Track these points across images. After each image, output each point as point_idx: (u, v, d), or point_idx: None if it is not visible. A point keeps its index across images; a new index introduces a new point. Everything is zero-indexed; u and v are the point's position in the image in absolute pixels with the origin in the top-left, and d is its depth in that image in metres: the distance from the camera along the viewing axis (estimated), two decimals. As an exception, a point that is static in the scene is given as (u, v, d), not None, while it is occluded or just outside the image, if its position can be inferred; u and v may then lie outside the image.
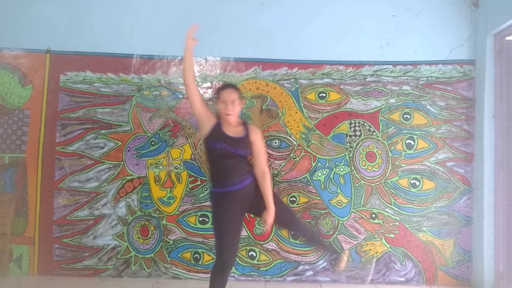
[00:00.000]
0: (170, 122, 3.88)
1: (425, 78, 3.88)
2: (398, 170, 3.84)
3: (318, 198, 3.82)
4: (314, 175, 3.84)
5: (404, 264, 3.79)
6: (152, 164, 3.85)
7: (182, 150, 3.87)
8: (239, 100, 2.78)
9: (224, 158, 2.65)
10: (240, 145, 2.67)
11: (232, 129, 2.74)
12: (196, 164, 3.85)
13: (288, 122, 3.86)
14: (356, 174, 3.84)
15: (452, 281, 3.77)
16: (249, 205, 2.73)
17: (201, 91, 3.89)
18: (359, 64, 3.90)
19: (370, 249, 3.80)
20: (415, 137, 3.86)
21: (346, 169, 3.85)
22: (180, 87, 3.91)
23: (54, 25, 3.92)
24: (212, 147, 2.68)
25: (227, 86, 2.87)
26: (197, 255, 3.81)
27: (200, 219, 3.82)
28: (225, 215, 2.62)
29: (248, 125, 2.83)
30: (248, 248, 3.79)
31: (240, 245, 3.77)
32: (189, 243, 3.81)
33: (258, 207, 2.73)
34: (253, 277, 3.77)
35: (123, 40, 3.91)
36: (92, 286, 3.57)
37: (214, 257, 2.76)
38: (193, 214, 3.83)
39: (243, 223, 2.89)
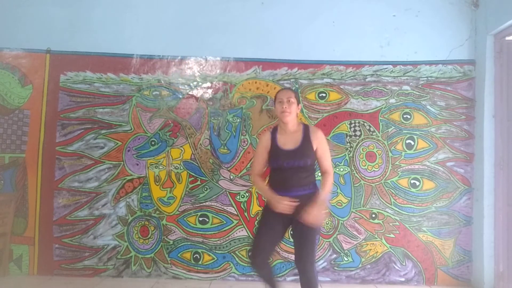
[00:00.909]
0: (170, 122, 3.88)
1: (425, 78, 3.88)
2: (398, 170, 3.84)
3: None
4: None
5: (404, 264, 3.79)
6: (152, 164, 3.85)
7: (182, 150, 3.87)
8: (296, 99, 2.67)
9: (282, 170, 2.60)
10: (297, 156, 2.58)
11: (289, 137, 2.64)
12: (196, 164, 3.85)
13: (288, 122, 3.86)
14: (356, 174, 3.84)
15: (452, 281, 3.77)
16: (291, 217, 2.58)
17: (201, 91, 3.90)
18: (359, 64, 3.90)
19: (370, 249, 3.81)
20: (415, 137, 3.86)
21: (346, 169, 3.85)
22: (180, 87, 3.91)
23: (54, 25, 3.92)
24: (270, 166, 2.68)
25: (283, 88, 2.85)
26: (197, 255, 3.81)
27: (200, 219, 3.82)
28: (269, 213, 2.62)
29: (309, 129, 2.67)
30: (248, 248, 3.79)
31: (240, 245, 3.79)
32: (189, 243, 3.81)
33: (294, 225, 2.60)
34: (253, 277, 3.77)
35: (123, 40, 3.91)
36: (92, 286, 3.56)
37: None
38: (193, 214, 3.83)
39: (281, 231, 2.68)
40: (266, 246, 2.64)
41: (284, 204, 2.51)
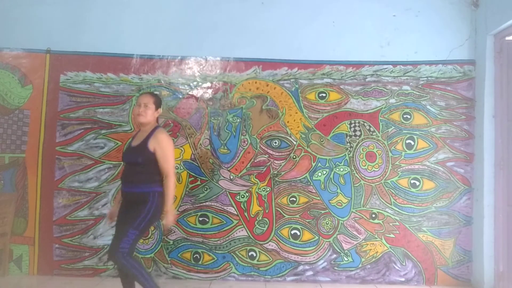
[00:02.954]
0: (170, 122, 3.88)
1: (425, 78, 3.88)
2: (398, 170, 3.84)
3: (318, 198, 3.82)
4: (314, 175, 3.84)
5: (404, 264, 3.79)
6: (152, 164, 3.85)
7: (182, 150, 3.87)
8: (152, 104, 2.86)
9: (126, 164, 2.88)
10: (132, 152, 2.83)
11: (140, 135, 2.88)
12: (196, 164, 3.85)
13: (288, 122, 3.86)
14: (356, 174, 3.84)
15: (452, 281, 3.77)
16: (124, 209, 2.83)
17: (201, 91, 3.90)
18: (359, 64, 3.90)
19: (370, 249, 3.80)
20: (415, 137, 3.86)
21: (346, 169, 3.85)
22: (180, 87, 3.91)
23: (54, 25, 3.92)
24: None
25: (143, 93, 3.08)
26: (197, 255, 3.81)
27: (200, 219, 3.82)
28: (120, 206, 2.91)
29: (154, 131, 2.84)
30: (248, 248, 3.79)
31: (240, 245, 3.79)
32: (189, 243, 3.81)
33: (122, 216, 2.83)
34: (253, 277, 3.77)
35: (123, 40, 3.91)
36: (92, 286, 3.56)
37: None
38: (193, 214, 3.83)
39: None
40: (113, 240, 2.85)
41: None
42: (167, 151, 2.80)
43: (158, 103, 2.91)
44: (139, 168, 2.76)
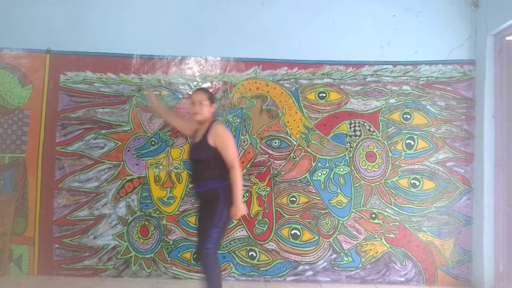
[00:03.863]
0: (170, 122, 3.88)
1: (425, 78, 3.88)
2: (398, 170, 3.84)
3: (318, 198, 3.82)
4: (314, 175, 3.84)
5: (404, 264, 3.79)
6: (152, 164, 3.85)
7: (182, 150, 3.87)
8: (207, 100, 2.88)
9: (192, 163, 2.92)
10: (195, 149, 2.88)
11: (200, 132, 2.89)
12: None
13: (288, 122, 3.86)
14: (356, 174, 3.84)
15: (452, 281, 3.77)
16: (200, 208, 2.90)
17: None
18: (359, 64, 3.90)
19: (370, 249, 3.80)
20: (415, 137, 3.86)
21: (346, 169, 3.85)
22: (180, 87, 3.91)
23: (54, 25, 3.92)
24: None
25: (197, 89, 3.04)
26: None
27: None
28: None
29: (211, 126, 2.85)
30: (248, 248, 3.79)
31: (240, 245, 3.79)
32: (189, 243, 3.81)
33: (200, 216, 2.88)
34: (253, 277, 3.77)
35: (123, 40, 3.91)
36: (92, 286, 3.56)
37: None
38: (193, 214, 3.82)
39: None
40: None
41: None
42: (227, 143, 2.79)
43: (211, 98, 2.92)
44: (204, 165, 2.78)
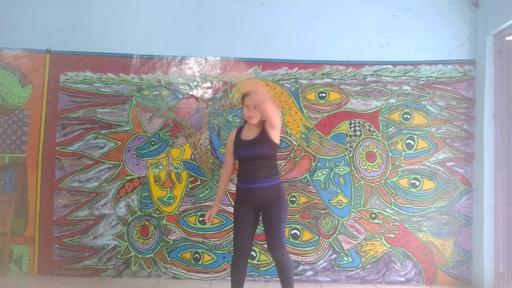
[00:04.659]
0: (170, 122, 3.88)
1: (425, 78, 3.88)
2: (398, 170, 3.84)
3: (318, 198, 3.82)
4: (314, 175, 3.84)
5: (404, 264, 3.79)
6: (152, 164, 3.85)
7: (182, 150, 3.87)
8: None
9: (245, 161, 2.86)
10: (255, 143, 2.81)
11: (251, 132, 2.87)
12: (196, 164, 3.85)
13: (288, 122, 3.86)
14: (356, 174, 3.84)
15: (452, 281, 3.77)
16: (259, 207, 2.86)
17: (201, 91, 3.89)
18: (359, 64, 3.90)
19: (370, 249, 3.80)
20: (415, 137, 3.86)
21: (346, 169, 3.85)
22: (180, 87, 3.91)
23: (54, 25, 3.92)
24: (236, 158, 2.94)
25: (248, 92, 2.94)
26: (197, 255, 3.81)
27: (200, 219, 3.82)
28: (240, 208, 2.90)
29: (265, 123, 2.85)
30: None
31: (240, 245, 3.78)
32: (189, 243, 3.81)
33: (265, 214, 2.84)
34: (253, 277, 3.77)
35: (123, 40, 3.91)
36: (92, 286, 3.57)
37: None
38: (193, 214, 3.83)
39: (253, 223, 2.91)
40: (248, 245, 2.88)
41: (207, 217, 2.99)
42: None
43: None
44: (266, 161, 2.80)
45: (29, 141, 3.87)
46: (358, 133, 3.86)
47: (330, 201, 3.82)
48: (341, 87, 3.89)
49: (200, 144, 3.86)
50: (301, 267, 3.79)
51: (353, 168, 3.84)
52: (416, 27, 3.91)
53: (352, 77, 3.90)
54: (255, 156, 2.78)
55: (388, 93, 3.88)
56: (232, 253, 3.01)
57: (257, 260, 3.79)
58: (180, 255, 3.81)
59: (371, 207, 3.82)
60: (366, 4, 3.93)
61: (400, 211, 3.81)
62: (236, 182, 2.94)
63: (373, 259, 3.80)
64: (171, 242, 3.81)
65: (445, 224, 3.80)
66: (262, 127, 2.84)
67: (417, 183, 3.83)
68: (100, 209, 3.83)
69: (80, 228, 3.82)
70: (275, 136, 2.82)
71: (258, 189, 2.79)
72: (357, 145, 3.86)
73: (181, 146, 3.87)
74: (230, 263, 2.93)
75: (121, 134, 3.87)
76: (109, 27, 3.92)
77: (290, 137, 3.86)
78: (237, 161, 2.96)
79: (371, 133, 3.86)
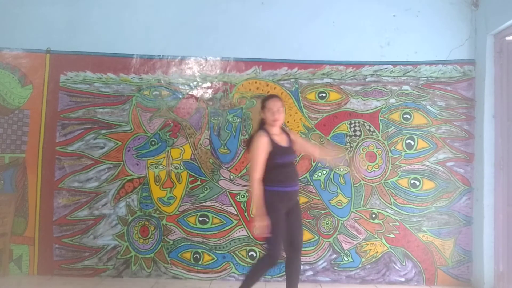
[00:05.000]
0: (170, 122, 3.88)
1: (425, 78, 3.88)
2: (398, 170, 3.84)
3: (318, 198, 3.82)
4: (314, 175, 3.84)
5: (404, 264, 3.79)
6: (152, 164, 3.85)
7: (182, 150, 3.87)
8: (283, 108, 3.01)
9: (284, 166, 2.91)
10: (291, 151, 2.98)
11: (279, 138, 2.96)
12: (196, 164, 3.85)
13: (288, 122, 3.86)
14: (356, 174, 3.84)
15: (452, 281, 3.77)
16: (294, 209, 2.96)
17: (201, 91, 3.90)
18: (359, 64, 3.90)
19: (370, 249, 3.80)
20: (415, 137, 3.86)
21: (346, 169, 3.85)
22: (180, 87, 3.91)
23: (54, 25, 3.92)
24: (274, 163, 2.85)
25: (272, 97, 3.04)
26: (197, 255, 3.81)
27: (200, 219, 3.82)
28: (279, 212, 2.86)
29: (286, 130, 3.08)
30: (248, 248, 3.79)
31: (240, 245, 3.79)
32: (189, 243, 3.81)
33: (291, 215, 2.90)
34: (253, 277, 3.76)
35: (123, 40, 3.91)
36: (92, 286, 3.57)
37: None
38: (193, 214, 3.83)
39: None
40: (288, 240, 2.90)
41: (260, 226, 2.77)
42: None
43: (284, 105, 3.07)
44: (295, 167, 3.01)
45: (29, 141, 3.87)
46: (358, 133, 3.86)
47: (330, 201, 3.82)
48: (341, 87, 3.89)
49: (200, 144, 3.86)
50: (301, 267, 3.78)
51: (353, 168, 3.84)
52: (416, 27, 3.91)
53: (352, 77, 3.90)
54: (293, 161, 3.02)
55: (388, 93, 3.88)
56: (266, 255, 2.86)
57: (257, 260, 3.78)
58: (180, 255, 3.81)
59: (371, 207, 3.82)
60: (366, 4, 3.93)
61: (400, 211, 3.81)
62: (268, 186, 2.81)
63: (373, 259, 3.80)
64: (171, 242, 3.81)
65: (445, 224, 3.80)
66: (286, 134, 3.01)
67: (417, 183, 3.83)
68: (100, 209, 3.83)
69: (80, 228, 3.82)
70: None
71: (296, 191, 2.96)
72: (357, 145, 3.86)
73: (181, 146, 3.87)
74: (262, 265, 2.90)
75: (121, 134, 3.87)
76: (109, 27, 3.92)
77: (290, 137, 3.86)
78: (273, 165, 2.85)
79: (371, 133, 3.86)
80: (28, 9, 3.94)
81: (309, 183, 3.83)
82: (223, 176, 3.84)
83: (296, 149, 3.04)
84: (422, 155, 3.84)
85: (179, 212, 3.83)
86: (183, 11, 3.94)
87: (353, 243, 3.81)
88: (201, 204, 3.83)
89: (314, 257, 3.80)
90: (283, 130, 3.03)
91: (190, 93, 3.90)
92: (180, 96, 3.90)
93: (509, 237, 3.54)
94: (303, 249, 3.75)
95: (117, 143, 3.86)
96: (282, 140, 2.93)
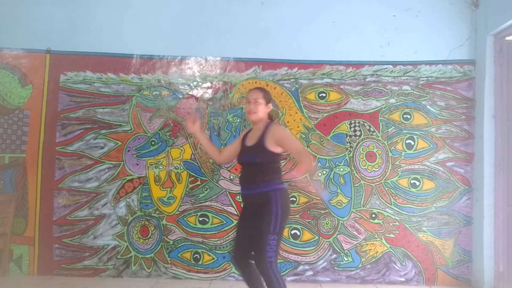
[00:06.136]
0: (170, 122, 3.88)
1: (425, 78, 3.88)
2: (398, 170, 3.84)
3: (318, 198, 3.82)
4: (314, 175, 3.84)
5: (404, 264, 3.79)
6: (152, 164, 3.85)
7: (182, 150, 3.87)
8: (264, 100, 2.71)
9: (241, 166, 2.78)
10: (248, 152, 2.69)
11: (254, 134, 2.72)
12: (196, 164, 3.85)
13: (288, 122, 3.86)
14: (356, 174, 3.84)
15: (452, 281, 3.77)
16: (250, 214, 2.67)
17: (201, 91, 3.89)
18: (359, 64, 3.90)
19: (370, 249, 3.80)
20: (415, 137, 3.86)
21: (346, 169, 3.85)
22: (180, 87, 3.91)
23: (54, 25, 3.92)
24: (238, 162, 2.84)
25: (252, 88, 2.86)
26: (197, 255, 3.81)
27: (200, 219, 3.82)
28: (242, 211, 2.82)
29: (268, 127, 2.68)
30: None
31: (240, 245, 3.78)
32: (189, 243, 3.81)
33: (250, 224, 2.64)
34: (253, 277, 3.77)
35: (123, 40, 3.91)
36: (92, 286, 3.57)
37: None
38: (193, 214, 3.83)
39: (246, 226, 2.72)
40: (242, 241, 2.70)
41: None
42: (290, 138, 2.71)
43: (267, 98, 2.74)
44: (258, 168, 2.63)
45: (29, 141, 3.87)
46: (358, 133, 3.86)
47: (330, 201, 3.82)
48: (341, 87, 3.89)
49: (200, 144, 3.86)
50: (301, 267, 3.79)
51: (353, 168, 3.84)
52: (416, 27, 3.91)
53: (352, 77, 3.90)
54: (249, 163, 2.67)
55: (388, 93, 3.88)
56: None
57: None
58: (180, 255, 3.81)
59: (371, 207, 3.82)
60: (366, 4, 3.93)
61: (400, 211, 3.81)
62: None
63: (373, 259, 3.80)
64: (171, 242, 3.81)
65: (445, 224, 3.80)
66: (263, 132, 2.66)
67: (417, 183, 3.83)
68: (100, 209, 3.83)
69: (80, 228, 3.82)
70: (280, 149, 2.66)
71: (247, 196, 2.68)
72: (357, 145, 3.86)
73: (181, 146, 3.87)
74: (277, 271, 2.67)
75: (121, 134, 3.87)
76: (109, 27, 3.92)
77: (290, 137, 3.86)
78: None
79: (371, 133, 3.86)
80: (28, 9, 3.94)
81: (309, 183, 3.83)
82: (223, 176, 3.84)
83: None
84: (422, 155, 3.84)
85: (179, 212, 3.83)
86: (183, 11, 3.95)
87: (353, 243, 3.81)
88: (201, 204, 3.83)
89: (314, 257, 3.80)
90: (267, 127, 2.68)
91: (190, 93, 3.90)
92: (180, 96, 3.90)
93: (509, 237, 3.54)
94: (303, 249, 3.79)
95: (117, 143, 3.86)
96: (252, 138, 2.70)
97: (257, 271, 2.61)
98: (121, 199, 3.83)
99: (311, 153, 3.84)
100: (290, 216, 3.72)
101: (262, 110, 2.69)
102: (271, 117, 2.78)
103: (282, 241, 3.72)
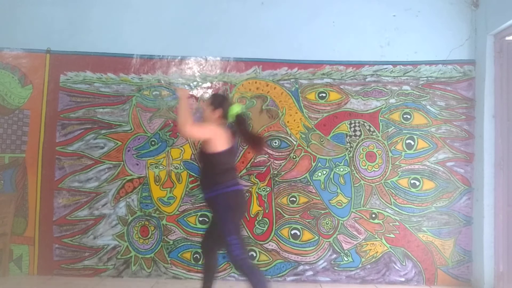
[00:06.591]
0: (170, 122, 3.88)
1: (425, 78, 3.88)
2: (398, 170, 3.84)
3: (318, 198, 3.82)
4: (314, 175, 3.84)
5: (404, 264, 3.79)
6: (152, 164, 3.85)
7: (182, 150, 3.87)
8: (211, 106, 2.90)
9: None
10: (198, 157, 2.94)
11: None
12: (196, 164, 3.85)
13: (288, 122, 3.86)
14: (356, 174, 3.84)
15: (452, 281, 3.77)
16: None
17: (201, 91, 3.90)
18: (359, 64, 3.90)
19: (370, 249, 3.80)
20: (415, 137, 3.86)
21: (346, 169, 3.85)
22: (180, 87, 3.90)
23: (54, 25, 3.92)
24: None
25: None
26: (197, 255, 3.80)
27: (200, 219, 3.82)
28: None
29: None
30: (248, 248, 3.79)
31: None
32: (189, 243, 3.81)
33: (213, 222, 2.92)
34: (253, 277, 3.77)
35: (123, 40, 3.91)
36: (92, 286, 3.56)
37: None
38: (193, 214, 3.83)
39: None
40: (209, 234, 2.98)
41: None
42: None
43: (214, 103, 2.89)
44: (205, 173, 2.83)
45: (29, 141, 3.87)
46: (358, 133, 3.86)
47: (330, 201, 3.82)
48: (341, 87, 3.89)
49: (200, 144, 3.85)
50: (301, 267, 3.79)
51: (353, 168, 3.84)
52: (416, 27, 3.91)
53: (352, 77, 3.90)
54: (201, 166, 2.89)
55: (388, 93, 3.88)
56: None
57: (257, 260, 3.79)
58: (180, 255, 3.81)
59: (371, 207, 3.82)
60: (366, 4, 3.93)
61: (400, 211, 3.81)
62: None
63: (373, 259, 3.80)
64: (171, 242, 3.81)
65: (445, 224, 3.80)
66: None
67: (417, 183, 3.83)
68: (100, 209, 3.83)
69: (80, 228, 3.82)
70: (210, 147, 2.75)
71: (204, 198, 2.89)
72: (357, 145, 3.86)
73: (181, 146, 3.87)
74: (251, 265, 2.82)
75: (121, 134, 3.87)
76: (109, 27, 3.92)
77: (290, 137, 3.86)
78: None
79: (371, 133, 3.86)
80: (28, 9, 3.94)
81: (309, 183, 3.83)
82: (223, 176, 3.84)
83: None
84: (422, 155, 3.84)
85: (179, 212, 3.83)
86: (183, 11, 3.95)
87: (353, 243, 3.81)
88: (201, 204, 3.82)
89: (314, 257, 3.80)
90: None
91: (190, 93, 3.90)
92: (180, 96, 3.90)
93: (509, 237, 3.54)
94: (303, 249, 3.79)
95: (117, 143, 3.86)
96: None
97: (216, 261, 2.98)
98: (121, 199, 3.83)
99: (311, 153, 3.84)
100: (289, 216, 3.77)
101: (208, 116, 2.87)
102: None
103: (282, 241, 3.76)
